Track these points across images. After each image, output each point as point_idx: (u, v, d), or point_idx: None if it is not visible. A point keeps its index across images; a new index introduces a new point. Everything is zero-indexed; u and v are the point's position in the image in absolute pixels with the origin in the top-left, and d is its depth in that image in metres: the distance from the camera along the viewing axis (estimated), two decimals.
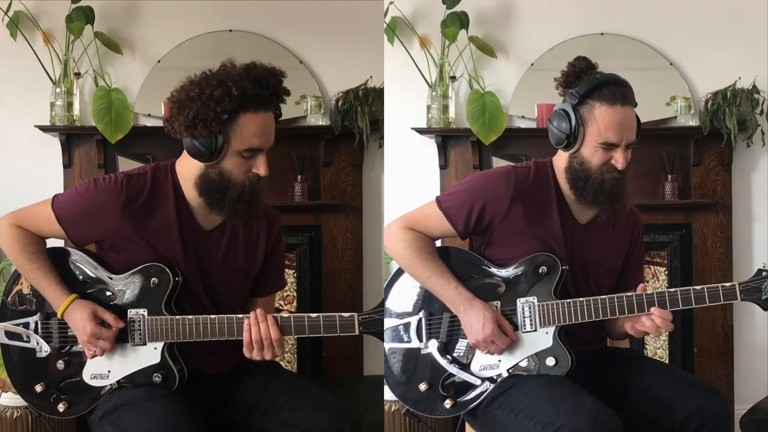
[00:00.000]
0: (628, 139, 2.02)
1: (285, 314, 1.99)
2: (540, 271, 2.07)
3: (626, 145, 2.03)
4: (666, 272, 3.43)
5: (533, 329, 2.07)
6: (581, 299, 2.04)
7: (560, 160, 2.12)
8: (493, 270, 2.12)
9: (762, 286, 1.96)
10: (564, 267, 2.06)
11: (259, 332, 1.95)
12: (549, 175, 2.13)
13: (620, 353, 2.28)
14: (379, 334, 2.01)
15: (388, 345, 2.18)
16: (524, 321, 2.07)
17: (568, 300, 2.05)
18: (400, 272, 2.20)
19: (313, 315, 1.97)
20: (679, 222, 3.42)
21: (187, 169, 2.02)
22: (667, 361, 3.39)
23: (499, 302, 2.09)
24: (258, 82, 1.92)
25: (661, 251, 3.43)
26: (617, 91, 2.00)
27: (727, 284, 1.98)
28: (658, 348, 3.44)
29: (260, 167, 1.96)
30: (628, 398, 2.10)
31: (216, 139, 1.91)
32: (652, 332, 2.03)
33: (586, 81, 2.03)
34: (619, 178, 2.04)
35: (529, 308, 2.07)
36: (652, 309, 2.00)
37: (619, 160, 2.02)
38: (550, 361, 2.05)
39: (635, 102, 2.05)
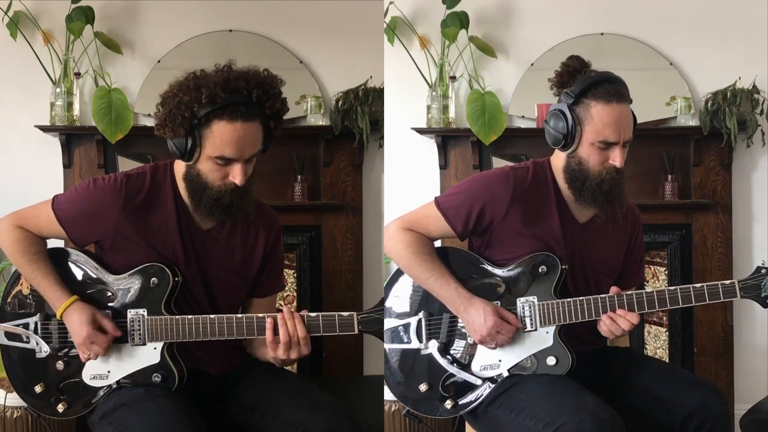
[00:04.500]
0: (626, 137, 2.02)
1: None
2: (540, 270, 2.07)
3: (624, 142, 2.03)
4: (666, 272, 3.43)
5: (533, 328, 2.07)
6: (581, 298, 2.04)
7: (558, 159, 2.12)
8: (493, 270, 2.12)
9: (761, 283, 1.97)
10: (564, 266, 2.07)
11: (287, 332, 1.95)
12: (547, 175, 2.13)
13: (620, 352, 2.28)
14: (379, 333, 2.01)
15: (388, 346, 2.18)
16: (524, 320, 2.07)
17: (569, 299, 2.05)
18: (399, 273, 2.20)
19: (313, 314, 1.97)
20: (679, 222, 3.42)
21: (180, 167, 2.03)
22: (667, 361, 3.38)
23: (499, 302, 2.09)
24: (237, 91, 1.91)
25: (661, 251, 3.43)
26: (612, 88, 2.00)
27: (727, 282, 1.99)
28: (658, 348, 3.44)
29: (236, 176, 1.95)
30: (629, 397, 2.10)
31: (186, 141, 1.93)
32: (606, 334, 2.05)
33: (581, 80, 2.02)
34: (618, 177, 2.04)
35: (530, 307, 2.07)
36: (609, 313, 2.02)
37: (617, 158, 2.02)
38: (551, 361, 2.05)
39: (630, 98, 2.04)
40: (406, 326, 2.16)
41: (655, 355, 3.42)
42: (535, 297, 2.07)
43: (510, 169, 2.12)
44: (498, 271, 2.11)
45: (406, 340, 2.16)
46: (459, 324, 2.12)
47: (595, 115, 2.00)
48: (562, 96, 2.05)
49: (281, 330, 1.95)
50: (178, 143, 1.94)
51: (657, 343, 3.44)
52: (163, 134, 1.96)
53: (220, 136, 1.91)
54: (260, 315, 2.00)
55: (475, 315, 2.06)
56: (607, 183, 2.04)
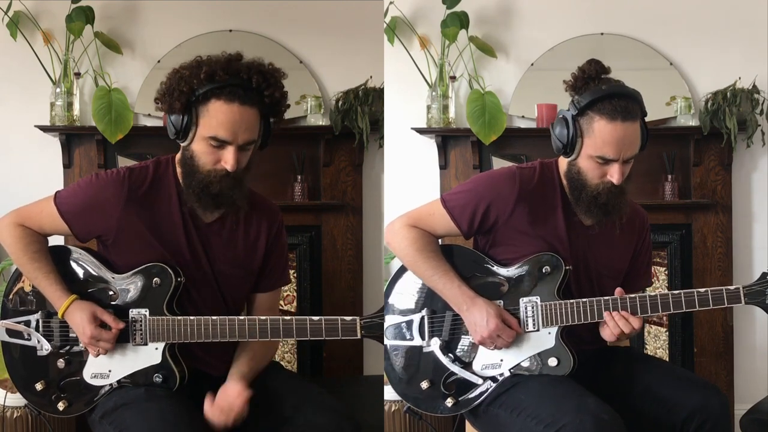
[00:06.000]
0: (626, 155, 2.00)
1: (287, 317, 1.99)
2: (543, 270, 2.07)
3: (624, 159, 2.01)
4: (666, 272, 3.43)
5: (536, 329, 2.07)
6: (584, 300, 2.04)
7: (563, 162, 2.12)
8: (497, 269, 2.11)
9: (766, 289, 1.96)
10: (568, 267, 2.06)
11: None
12: (554, 176, 2.12)
13: (621, 352, 2.28)
14: (381, 339, 2.01)
15: (390, 342, 2.17)
16: (527, 320, 2.07)
17: (571, 300, 2.04)
18: (403, 269, 2.20)
19: (315, 318, 1.97)
20: (679, 222, 3.42)
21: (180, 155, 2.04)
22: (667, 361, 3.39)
23: (502, 301, 2.09)
24: (238, 74, 1.92)
25: (661, 251, 3.43)
26: (620, 105, 1.96)
27: (731, 287, 1.98)
28: (658, 348, 3.44)
29: (228, 161, 1.94)
30: (629, 397, 2.09)
31: (182, 118, 1.94)
32: (608, 337, 2.04)
33: (591, 91, 1.99)
34: (615, 191, 2.03)
35: (532, 308, 2.07)
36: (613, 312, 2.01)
37: (614, 175, 2.00)
38: (553, 362, 2.05)
39: (641, 114, 2.01)
40: (409, 323, 2.16)
41: (655, 355, 3.42)
42: (538, 297, 2.07)
43: (516, 169, 2.11)
44: (502, 270, 2.11)
45: (408, 337, 2.15)
46: (461, 322, 2.11)
47: (597, 131, 1.98)
48: (570, 104, 2.03)
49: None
50: (175, 120, 1.95)
51: (657, 343, 3.44)
52: (161, 108, 1.97)
53: (216, 116, 1.92)
54: (263, 318, 2.00)
55: (477, 315, 2.06)
56: (604, 196, 2.03)
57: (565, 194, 2.11)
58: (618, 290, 2.04)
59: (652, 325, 3.45)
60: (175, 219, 2.04)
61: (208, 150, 1.95)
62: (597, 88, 2.00)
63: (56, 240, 2.12)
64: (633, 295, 2.02)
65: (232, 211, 2.06)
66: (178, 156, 2.05)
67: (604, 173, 2.02)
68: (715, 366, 3.42)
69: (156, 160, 2.09)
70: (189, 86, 1.92)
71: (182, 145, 2.00)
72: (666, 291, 3.35)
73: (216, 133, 1.92)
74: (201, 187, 1.97)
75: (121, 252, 2.04)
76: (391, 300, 2.20)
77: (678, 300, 1.99)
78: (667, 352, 3.43)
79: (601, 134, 1.98)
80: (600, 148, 1.99)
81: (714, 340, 3.42)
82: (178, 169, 2.05)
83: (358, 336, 1.96)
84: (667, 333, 3.43)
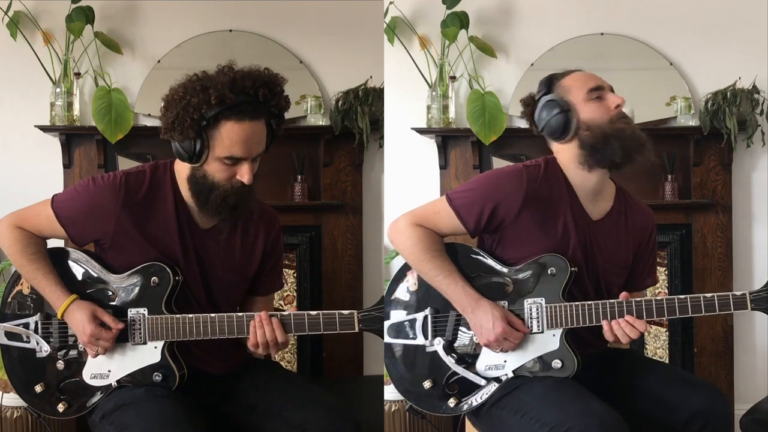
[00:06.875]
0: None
1: (285, 312, 1.99)
2: (549, 272, 2.05)
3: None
4: (666, 272, 3.43)
5: (540, 331, 2.05)
6: (589, 302, 2.02)
7: (562, 154, 2.10)
8: (501, 269, 2.09)
9: None
10: (573, 269, 2.05)
11: (264, 335, 1.96)
12: (559, 172, 2.10)
13: (622, 354, 2.26)
14: (379, 332, 2.01)
15: (393, 341, 2.17)
16: (531, 322, 2.06)
17: (576, 303, 2.03)
18: (406, 267, 2.18)
19: (313, 312, 1.98)
20: (679, 222, 3.42)
21: (182, 168, 2.03)
22: (667, 361, 3.38)
23: (506, 302, 2.07)
24: (244, 91, 1.91)
25: (661, 251, 3.42)
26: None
27: (738, 293, 1.96)
28: (658, 348, 3.43)
29: (244, 175, 1.95)
30: (631, 400, 2.08)
31: (194, 143, 1.92)
32: (612, 339, 2.03)
33: (547, 77, 2.12)
34: (627, 121, 2.08)
35: (537, 309, 2.06)
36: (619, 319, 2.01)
37: (617, 100, 2.07)
38: (556, 364, 2.04)
39: None
40: (412, 322, 2.15)
41: (655, 355, 3.42)
42: (543, 299, 2.05)
43: (523, 168, 2.09)
44: (507, 270, 2.09)
45: (411, 336, 2.15)
46: (465, 322, 2.09)
47: (574, 82, 2.09)
48: (541, 86, 2.13)
49: (258, 333, 1.97)
50: (186, 146, 1.93)
51: (657, 343, 3.44)
52: (171, 138, 1.95)
53: (229, 136, 1.91)
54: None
55: (483, 318, 2.04)
56: (622, 128, 2.06)
57: (572, 189, 2.09)
58: (623, 294, 2.03)
59: (652, 325, 3.45)
60: (171, 225, 2.04)
61: (223, 168, 1.95)
62: (551, 75, 2.13)
63: (55, 242, 2.12)
64: (639, 299, 2.01)
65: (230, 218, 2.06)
66: (182, 171, 2.03)
67: (609, 107, 2.07)
68: (715, 366, 3.42)
69: (154, 164, 2.08)
70: (199, 113, 1.90)
71: (192, 165, 1.98)
72: (666, 292, 3.36)
73: (231, 153, 1.93)
74: (220, 201, 1.97)
75: (118, 255, 2.05)
76: (394, 297, 2.19)
77: (684, 305, 1.98)
78: (667, 352, 3.42)
79: (576, 80, 2.09)
80: (588, 84, 2.08)
81: (714, 340, 3.42)
82: (182, 183, 2.04)
83: (356, 329, 1.97)
84: (667, 333, 3.43)
